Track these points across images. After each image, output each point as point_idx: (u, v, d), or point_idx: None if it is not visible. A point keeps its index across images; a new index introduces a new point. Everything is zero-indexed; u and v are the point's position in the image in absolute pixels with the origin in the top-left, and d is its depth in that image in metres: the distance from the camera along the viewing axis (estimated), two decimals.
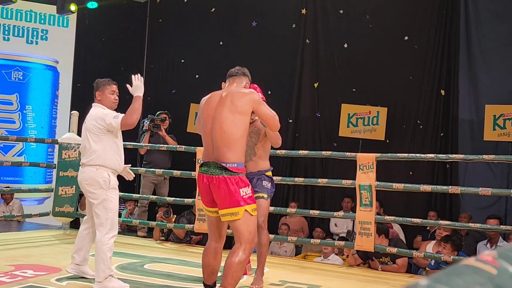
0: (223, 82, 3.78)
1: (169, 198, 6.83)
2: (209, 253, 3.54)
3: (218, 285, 3.48)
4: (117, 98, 4.30)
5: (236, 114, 3.36)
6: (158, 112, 7.46)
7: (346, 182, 5.66)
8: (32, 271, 4.48)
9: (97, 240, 4.00)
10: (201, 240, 6.54)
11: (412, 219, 5.52)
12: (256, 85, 4.01)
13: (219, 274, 3.62)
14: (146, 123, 7.32)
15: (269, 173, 4.38)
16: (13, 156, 9.49)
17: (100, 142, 4.05)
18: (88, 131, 4.09)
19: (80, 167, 4.20)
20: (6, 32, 9.74)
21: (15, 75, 9.67)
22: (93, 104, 4.27)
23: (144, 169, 7.09)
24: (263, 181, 4.24)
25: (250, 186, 3.41)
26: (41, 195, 8.92)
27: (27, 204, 8.81)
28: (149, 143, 7.17)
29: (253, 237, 3.35)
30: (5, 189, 7.78)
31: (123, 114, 4.05)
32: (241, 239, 3.31)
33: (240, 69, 3.75)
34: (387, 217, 5.84)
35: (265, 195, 4.20)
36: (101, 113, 4.09)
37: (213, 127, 3.41)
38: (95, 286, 3.94)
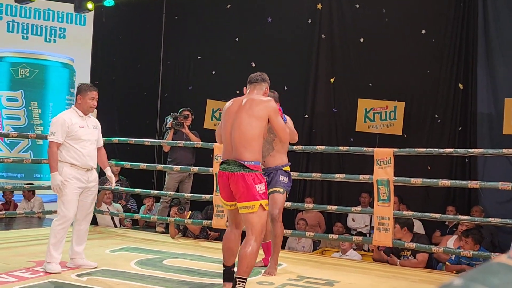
0: (245, 88, 4.07)
1: (187, 194, 6.86)
2: (229, 238, 3.88)
3: (236, 267, 3.80)
4: (95, 103, 4.68)
5: (253, 118, 3.70)
6: (180, 110, 7.48)
7: (363, 178, 5.64)
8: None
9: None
10: (219, 236, 6.57)
11: (431, 214, 5.48)
12: (278, 103, 4.20)
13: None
14: (170, 120, 7.35)
15: (287, 168, 4.62)
16: (19, 152, 9.56)
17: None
18: None
19: None
20: (25, 31, 9.86)
21: (22, 71, 9.69)
22: (72, 106, 4.76)
23: (162, 165, 7.13)
24: (280, 176, 4.52)
25: (264, 184, 3.72)
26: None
27: (46, 199, 8.92)
28: (173, 140, 7.20)
29: (263, 229, 3.72)
30: (26, 186, 7.88)
31: (53, 138, 4.50)
32: (252, 231, 3.63)
33: (260, 75, 4.04)
34: (405, 213, 5.82)
35: (281, 189, 4.49)
36: (53, 124, 4.60)
37: (232, 129, 3.76)
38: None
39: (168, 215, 6.90)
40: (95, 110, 4.84)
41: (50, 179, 4.53)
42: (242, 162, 3.63)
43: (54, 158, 4.48)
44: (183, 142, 6.89)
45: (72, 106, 4.76)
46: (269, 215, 4.37)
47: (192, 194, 6.74)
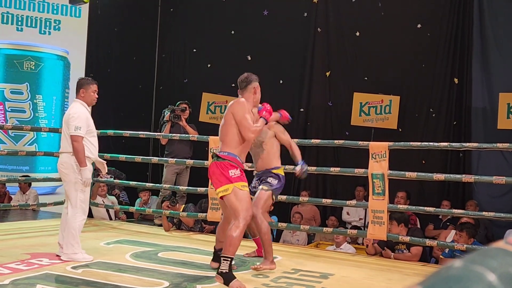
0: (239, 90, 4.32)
1: (182, 187, 6.86)
2: (221, 228, 4.42)
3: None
4: (97, 96, 4.83)
5: (228, 118, 4.09)
6: (178, 103, 7.47)
7: (358, 171, 5.66)
8: (48, 259, 4.54)
9: (68, 218, 4.59)
10: (214, 229, 6.58)
11: (425, 208, 5.51)
12: (267, 103, 4.29)
13: None
14: (167, 113, 7.34)
15: (278, 171, 4.64)
16: (25, 145, 9.59)
17: None
18: (64, 125, 4.71)
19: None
20: (19, 23, 9.79)
21: (27, 65, 9.74)
22: (74, 99, 4.82)
23: (157, 158, 7.13)
24: (269, 177, 4.60)
25: (240, 170, 4.00)
26: (53, 183, 8.99)
27: (40, 192, 8.91)
28: (170, 133, 7.19)
29: (247, 213, 3.91)
30: (21, 178, 7.87)
31: (80, 132, 4.55)
32: (236, 214, 3.89)
33: (244, 80, 4.26)
34: (400, 206, 5.84)
35: (265, 187, 4.54)
36: (71, 118, 4.61)
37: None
38: (63, 256, 4.56)
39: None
40: None
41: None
42: (218, 153, 4.05)
43: (84, 152, 4.55)
44: (179, 135, 6.88)
45: (76, 99, 4.80)
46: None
47: (187, 187, 6.73)
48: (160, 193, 7.35)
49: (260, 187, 4.57)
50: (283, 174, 4.70)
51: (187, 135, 6.91)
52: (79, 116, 4.59)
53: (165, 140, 7.32)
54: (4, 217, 7.49)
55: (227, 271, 3.84)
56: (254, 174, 4.83)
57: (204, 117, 9.22)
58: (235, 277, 3.87)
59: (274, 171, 4.63)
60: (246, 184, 4.01)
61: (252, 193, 4.55)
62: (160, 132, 7.32)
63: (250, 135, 4.04)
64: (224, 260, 3.85)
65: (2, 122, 9.42)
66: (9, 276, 3.90)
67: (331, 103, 8.63)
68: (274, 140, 4.70)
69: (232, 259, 3.89)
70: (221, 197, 3.99)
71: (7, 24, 9.75)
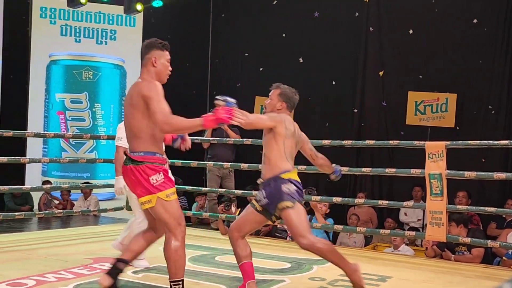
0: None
1: (237, 191, 6.92)
2: (140, 236, 3.51)
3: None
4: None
5: (131, 107, 3.29)
6: None
7: (415, 172, 5.54)
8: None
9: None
10: (271, 231, 6.62)
11: (486, 208, 5.34)
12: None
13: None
14: None
15: (288, 175, 3.66)
16: (85, 153, 9.94)
17: None
18: None
19: None
20: (77, 34, 10.17)
21: (86, 74, 10.09)
22: None
23: (212, 163, 7.19)
24: (282, 186, 3.62)
25: (163, 173, 3.25)
26: (113, 189, 9.28)
27: (101, 197, 9.21)
28: (212, 137, 7.28)
29: (178, 221, 3.25)
30: (82, 185, 8.15)
31: (119, 143, 4.59)
32: (168, 227, 3.24)
33: (143, 45, 3.52)
34: (459, 207, 5.69)
35: (289, 203, 3.59)
36: (119, 129, 4.66)
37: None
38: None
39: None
40: None
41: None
42: (131, 155, 3.25)
43: (120, 162, 4.49)
44: (233, 139, 6.95)
45: None
46: (297, 243, 3.61)
47: (242, 191, 6.79)
48: (208, 198, 7.45)
49: (283, 205, 3.58)
50: (298, 180, 3.73)
51: (241, 139, 6.94)
52: (122, 126, 4.54)
53: (207, 144, 7.40)
54: (67, 223, 7.77)
55: None
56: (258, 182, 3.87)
57: None
58: None
59: (283, 175, 3.66)
60: (173, 190, 3.27)
61: (257, 206, 3.74)
62: (202, 135, 7.39)
63: (166, 127, 3.16)
64: (175, 285, 3.24)
65: (63, 131, 9.79)
66: (73, 281, 4.05)
67: (385, 103, 8.50)
68: (272, 143, 3.71)
69: (182, 281, 3.26)
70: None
71: (65, 36, 10.13)
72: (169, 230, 3.23)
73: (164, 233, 3.32)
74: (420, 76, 8.19)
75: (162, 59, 3.42)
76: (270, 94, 3.93)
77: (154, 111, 3.14)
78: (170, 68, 3.46)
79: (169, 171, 3.42)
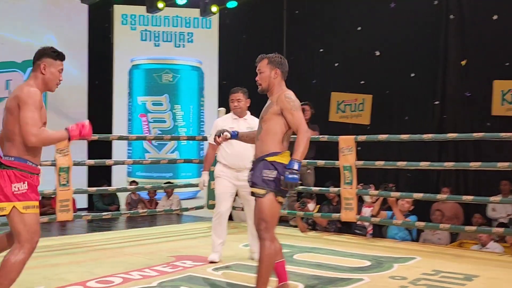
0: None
1: (314, 188, 6.88)
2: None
3: None
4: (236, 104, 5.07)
5: (7, 112, 3.15)
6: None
7: (502, 165, 5.26)
8: (191, 262, 4.79)
9: None
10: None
11: None
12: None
13: None
14: None
15: (276, 158, 3.29)
16: (167, 153, 10.27)
17: None
18: None
19: None
20: (156, 39, 10.52)
21: (165, 77, 10.41)
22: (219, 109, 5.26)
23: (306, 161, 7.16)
24: (263, 170, 3.28)
25: (29, 184, 3.11)
26: (195, 189, 9.51)
27: (182, 197, 9.46)
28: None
29: (32, 236, 3.10)
30: (163, 185, 8.40)
31: (209, 140, 5.00)
32: (18, 238, 3.10)
33: (35, 55, 3.28)
34: None
35: (261, 191, 3.27)
36: (212, 127, 4.95)
37: None
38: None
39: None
40: (248, 111, 5.01)
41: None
42: (0, 158, 3.13)
43: (206, 158, 5.04)
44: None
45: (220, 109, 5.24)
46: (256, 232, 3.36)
47: (319, 188, 6.74)
48: (287, 195, 7.44)
49: (255, 190, 3.30)
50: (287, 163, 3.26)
51: (317, 136, 6.89)
52: (213, 125, 4.98)
53: None
54: (152, 221, 8.04)
55: None
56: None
57: (334, 117, 9.17)
58: None
59: (269, 158, 3.30)
60: (35, 203, 3.13)
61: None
62: None
63: (32, 139, 3.02)
64: None
65: (146, 133, 10.15)
66: (157, 278, 4.17)
67: (469, 94, 8.15)
68: (276, 119, 3.38)
69: None
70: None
71: (145, 40, 10.50)
72: (18, 242, 3.09)
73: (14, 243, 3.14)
74: (507, 64, 7.77)
75: (53, 68, 3.23)
76: (257, 68, 3.54)
77: (24, 120, 3.02)
78: (60, 78, 3.28)
79: (39, 184, 3.23)
